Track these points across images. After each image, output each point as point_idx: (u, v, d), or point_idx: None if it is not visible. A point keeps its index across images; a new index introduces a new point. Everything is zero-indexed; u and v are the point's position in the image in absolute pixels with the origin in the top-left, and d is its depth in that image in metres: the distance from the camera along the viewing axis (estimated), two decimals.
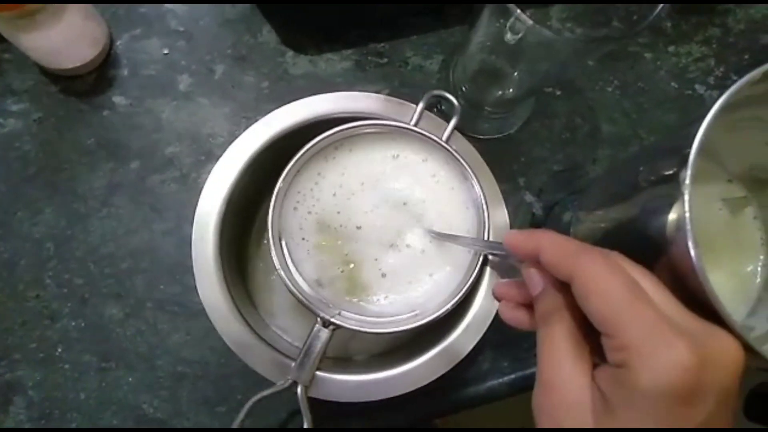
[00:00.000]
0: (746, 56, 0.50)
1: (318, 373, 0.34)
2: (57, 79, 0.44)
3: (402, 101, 0.39)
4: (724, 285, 0.39)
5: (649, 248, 0.34)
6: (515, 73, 0.43)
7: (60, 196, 0.43)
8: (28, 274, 0.42)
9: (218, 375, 0.42)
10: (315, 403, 0.34)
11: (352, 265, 0.36)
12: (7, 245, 0.42)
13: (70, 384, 0.41)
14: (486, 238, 0.35)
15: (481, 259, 0.34)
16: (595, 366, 0.23)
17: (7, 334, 0.41)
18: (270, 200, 0.34)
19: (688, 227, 0.26)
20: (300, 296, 0.33)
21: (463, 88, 0.45)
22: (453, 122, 0.37)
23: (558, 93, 0.48)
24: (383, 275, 0.36)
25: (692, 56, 0.50)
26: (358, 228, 0.37)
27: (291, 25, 0.46)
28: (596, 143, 0.48)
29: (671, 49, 0.50)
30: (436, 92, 0.37)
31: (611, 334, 0.21)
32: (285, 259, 0.35)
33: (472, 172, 0.36)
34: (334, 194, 0.37)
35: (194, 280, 0.36)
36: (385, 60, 0.47)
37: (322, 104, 0.39)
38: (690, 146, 0.28)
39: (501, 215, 0.38)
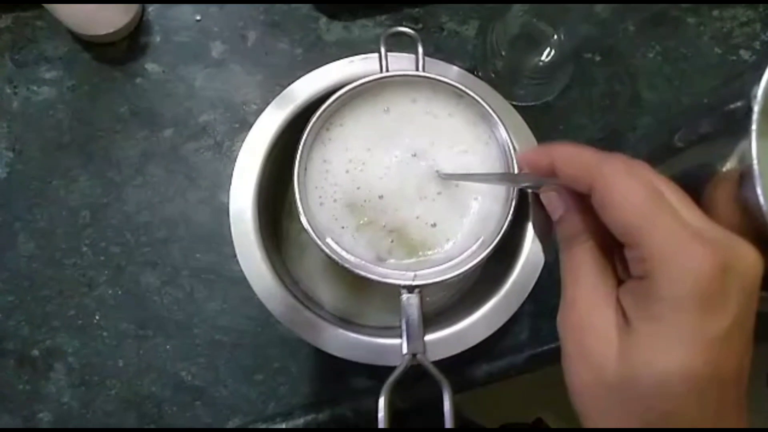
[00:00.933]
0: None
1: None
2: (90, 47, 0.44)
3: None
4: None
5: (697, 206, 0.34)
6: (555, 36, 0.42)
7: (94, 165, 0.43)
8: (64, 242, 0.42)
9: (255, 343, 0.42)
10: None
11: (396, 233, 0.35)
12: (44, 213, 0.42)
13: (109, 351, 0.41)
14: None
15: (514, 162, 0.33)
16: (619, 285, 0.22)
17: (46, 302, 0.41)
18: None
19: (755, 170, 0.26)
20: (375, 278, 0.32)
21: (502, 53, 0.44)
22: (420, 50, 0.35)
23: (597, 59, 0.47)
24: (433, 225, 0.35)
25: (737, 20, 0.48)
26: (381, 197, 0.36)
27: None
28: (637, 110, 0.47)
29: (715, 13, 0.49)
30: (391, 30, 0.35)
31: (633, 244, 0.20)
32: (341, 254, 0.33)
33: (474, 94, 0.34)
34: (347, 171, 0.36)
35: (231, 248, 0.36)
36: (420, 26, 0.46)
37: (351, 67, 0.38)
38: (753, 90, 0.28)
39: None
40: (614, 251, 0.23)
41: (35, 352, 0.40)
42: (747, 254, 0.20)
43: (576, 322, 0.22)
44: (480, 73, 0.45)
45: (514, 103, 0.44)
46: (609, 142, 0.46)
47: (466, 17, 0.47)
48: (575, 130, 0.46)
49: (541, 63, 0.43)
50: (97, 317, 0.41)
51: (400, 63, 0.35)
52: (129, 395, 0.41)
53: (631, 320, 0.20)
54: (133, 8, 0.43)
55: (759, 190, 0.26)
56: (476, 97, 0.33)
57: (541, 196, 0.25)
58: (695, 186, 0.36)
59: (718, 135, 0.35)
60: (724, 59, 0.48)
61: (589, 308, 0.22)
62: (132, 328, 0.41)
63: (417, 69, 0.35)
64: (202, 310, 0.42)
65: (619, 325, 0.21)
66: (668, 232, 0.20)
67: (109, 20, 0.42)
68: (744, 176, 0.28)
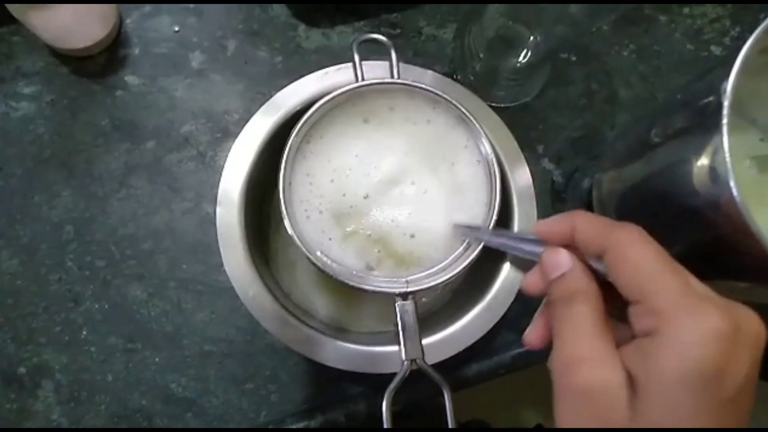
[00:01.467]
0: (762, 15, 0.50)
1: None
2: (68, 60, 0.44)
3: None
4: None
5: (675, 199, 0.34)
6: (530, 39, 0.43)
7: (77, 179, 0.42)
8: (49, 258, 0.41)
9: (244, 353, 0.42)
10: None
11: (382, 243, 0.35)
12: (27, 229, 0.42)
13: (97, 366, 0.41)
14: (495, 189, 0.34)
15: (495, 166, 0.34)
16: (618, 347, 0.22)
17: (32, 318, 0.41)
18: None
19: (729, 164, 0.27)
20: (369, 287, 0.32)
21: (480, 56, 0.44)
22: (393, 56, 0.35)
23: (573, 59, 0.48)
24: (412, 236, 0.35)
25: (707, 17, 0.50)
26: (366, 197, 0.36)
27: None
28: (614, 108, 0.48)
29: (686, 10, 0.50)
30: (363, 38, 0.35)
31: (642, 300, 0.21)
32: (332, 267, 0.33)
33: (449, 98, 0.34)
34: (332, 180, 0.36)
35: (218, 258, 0.36)
36: (398, 31, 0.47)
37: (329, 78, 0.38)
38: (723, 85, 0.29)
39: (524, 175, 0.38)
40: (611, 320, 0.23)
41: (22, 370, 0.40)
42: (753, 318, 0.20)
43: (582, 380, 0.21)
44: (459, 76, 0.46)
45: (493, 104, 0.45)
46: (587, 140, 0.47)
47: (443, 21, 0.47)
48: (554, 130, 0.47)
49: (518, 64, 0.44)
50: (84, 332, 0.41)
51: (377, 71, 0.36)
52: (119, 410, 0.41)
53: (638, 379, 0.20)
54: (111, 21, 0.43)
55: (732, 183, 0.27)
56: (452, 100, 0.34)
57: (547, 251, 0.25)
58: (669, 180, 0.37)
59: (691, 130, 0.36)
60: (696, 55, 0.49)
61: (596, 366, 0.21)
62: (120, 342, 0.41)
63: (392, 76, 0.35)
64: (191, 322, 0.42)
65: (626, 384, 0.20)
66: (679, 290, 0.20)
67: (86, 33, 0.41)
68: (715, 170, 0.28)
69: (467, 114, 0.34)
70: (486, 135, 0.34)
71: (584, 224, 0.24)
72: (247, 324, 0.42)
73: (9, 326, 0.40)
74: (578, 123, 0.47)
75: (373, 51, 0.36)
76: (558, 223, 0.25)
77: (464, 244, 0.34)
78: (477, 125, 0.34)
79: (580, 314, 0.23)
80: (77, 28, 0.40)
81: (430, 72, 0.40)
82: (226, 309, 0.42)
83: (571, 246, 0.24)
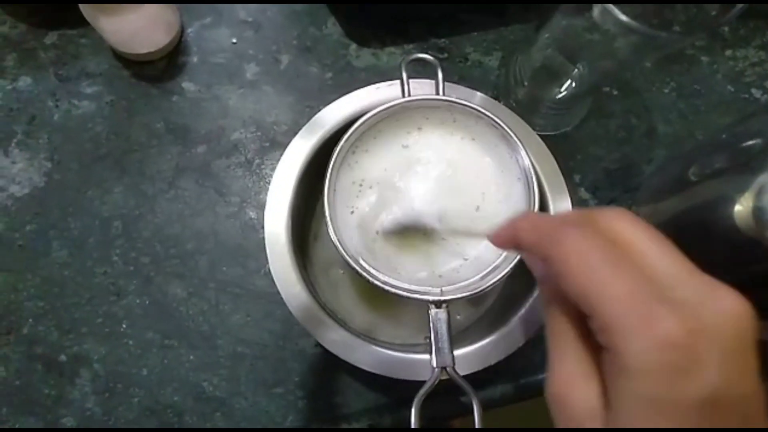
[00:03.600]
0: None
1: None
2: (129, 64, 0.46)
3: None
4: None
5: (713, 236, 0.35)
6: (575, 71, 0.44)
7: (129, 177, 0.44)
8: (96, 251, 0.43)
9: (276, 357, 0.43)
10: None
11: (424, 254, 0.36)
12: (78, 222, 0.43)
13: (134, 359, 0.42)
14: (533, 208, 0.35)
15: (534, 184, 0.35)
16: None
17: (76, 309, 0.42)
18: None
19: None
20: (404, 294, 0.33)
21: (524, 84, 0.46)
22: (440, 75, 0.36)
23: (615, 93, 0.49)
24: (457, 244, 0.36)
25: (749, 60, 0.50)
26: (412, 210, 0.37)
27: (355, 19, 0.47)
28: (652, 143, 0.48)
29: (728, 53, 0.51)
30: (412, 57, 0.37)
31: (592, 314, 0.19)
32: (369, 271, 0.34)
33: (493, 115, 0.35)
34: (375, 190, 0.37)
35: (256, 263, 0.37)
36: (446, 55, 0.48)
37: (378, 93, 0.40)
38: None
39: (564, 201, 0.39)
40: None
41: (63, 358, 0.41)
42: (724, 310, 0.18)
43: (560, 394, 0.20)
44: (502, 102, 0.47)
45: (535, 131, 0.46)
46: (624, 172, 0.47)
47: (489, 48, 0.49)
48: (592, 160, 0.47)
49: (560, 95, 0.45)
50: (124, 326, 0.42)
51: (425, 89, 0.38)
52: (151, 404, 0.42)
53: (609, 392, 0.19)
54: (174, 29, 0.45)
55: None
56: (493, 117, 0.35)
57: (523, 256, 0.25)
58: (708, 217, 0.37)
59: (733, 170, 0.37)
60: (736, 97, 0.50)
61: (571, 380, 0.20)
62: (157, 337, 0.42)
63: (437, 93, 0.37)
64: (226, 323, 0.43)
65: (602, 395, 0.19)
66: (625, 296, 0.18)
67: (150, 40, 0.43)
68: (761, 209, 0.29)
69: (507, 130, 0.35)
70: (526, 151, 0.35)
71: (527, 229, 0.22)
72: (281, 329, 0.43)
73: (53, 314, 0.42)
74: (616, 155, 0.48)
75: (419, 72, 0.37)
76: (504, 227, 0.24)
77: (500, 258, 0.34)
78: (517, 141, 0.35)
79: (558, 324, 0.21)
80: (143, 35, 0.42)
81: (479, 94, 0.41)
82: (262, 313, 0.43)
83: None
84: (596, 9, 0.31)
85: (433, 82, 0.38)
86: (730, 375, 0.17)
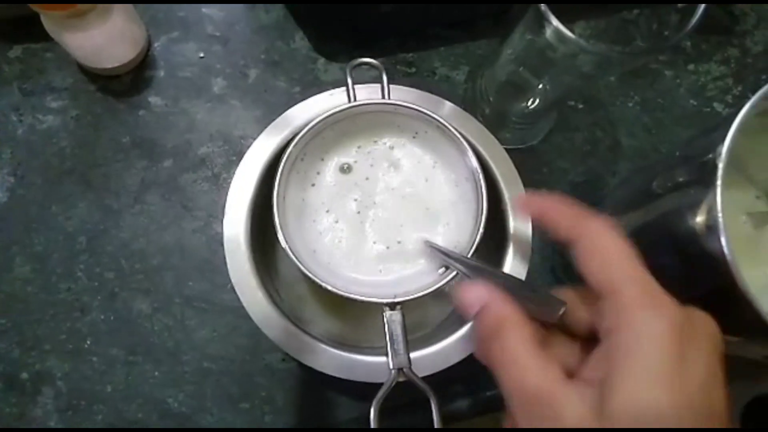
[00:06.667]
0: (764, 76, 0.51)
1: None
2: (95, 78, 0.45)
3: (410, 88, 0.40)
4: None
5: (671, 251, 0.36)
6: (540, 86, 0.45)
7: (94, 192, 0.44)
8: (60, 267, 0.43)
9: (242, 372, 0.43)
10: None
11: (374, 254, 0.37)
12: (41, 238, 0.43)
13: (98, 376, 0.42)
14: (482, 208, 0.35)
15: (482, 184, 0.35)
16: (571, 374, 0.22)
17: (39, 325, 0.42)
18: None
19: (720, 222, 0.28)
20: (357, 297, 0.33)
21: (490, 99, 0.46)
22: (384, 79, 0.36)
23: (580, 107, 0.50)
24: (398, 247, 0.37)
25: (711, 75, 0.52)
26: (358, 213, 0.37)
27: (323, 33, 0.48)
28: (616, 156, 0.49)
29: (691, 67, 0.52)
30: (357, 61, 0.37)
31: (612, 292, 0.22)
32: (321, 276, 0.35)
33: (437, 118, 0.35)
34: (323, 194, 0.38)
35: (223, 277, 0.37)
36: (414, 69, 0.49)
37: (334, 100, 0.40)
38: (718, 148, 0.30)
39: (524, 218, 0.39)
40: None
41: (24, 375, 0.41)
42: (708, 319, 0.22)
43: (549, 392, 0.21)
44: (469, 114, 0.48)
45: (501, 145, 0.47)
46: (590, 185, 0.48)
47: (456, 63, 0.49)
48: (558, 173, 0.48)
49: (526, 110, 0.45)
50: (88, 342, 0.42)
51: (401, 95, 0.38)
52: (115, 421, 0.41)
53: (606, 376, 0.20)
54: (140, 44, 0.45)
55: (723, 241, 0.28)
56: (439, 119, 0.35)
57: (461, 290, 0.25)
58: (671, 230, 0.38)
59: (691, 184, 0.37)
60: (699, 111, 0.51)
61: (551, 386, 0.21)
62: (122, 353, 0.42)
63: (383, 97, 0.36)
64: (192, 338, 0.43)
65: (584, 390, 0.21)
66: (643, 283, 0.22)
67: (116, 55, 0.43)
68: (710, 227, 0.30)
69: (452, 130, 0.35)
70: (474, 152, 0.35)
71: (557, 208, 0.25)
72: (247, 343, 0.43)
73: (16, 331, 0.41)
74: (581, 168, 0.48)
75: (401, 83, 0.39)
76: (538, 197, 0.27)
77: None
78: (463, 141, 0.35)
79: (514, 341, 0.22)
80: (108, 50, 0.42)
81: (447, 103, 0.42)
82: (228, 328, 0.43)
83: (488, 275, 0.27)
84: (548, 29, 0.32)
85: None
86: (712, 371, 0.20)
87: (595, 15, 0.46)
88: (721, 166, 0.29)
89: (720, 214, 0.28)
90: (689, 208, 0.34)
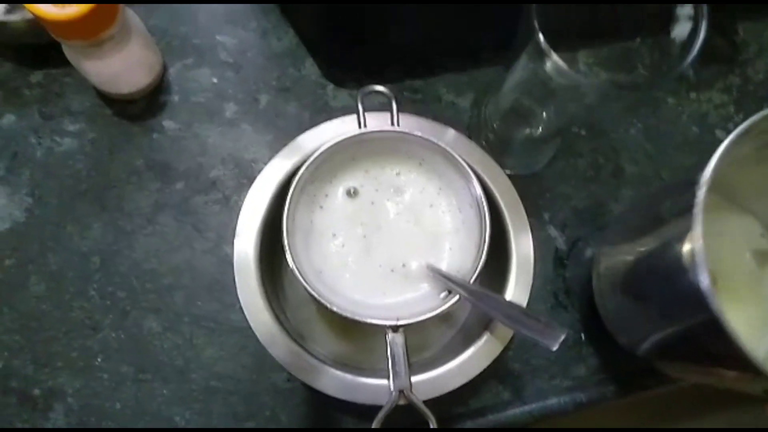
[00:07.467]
0: (765, 104, 0.52)
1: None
2: (112, 103, 0.47)
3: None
4: (744, 332, 0.40)
5: (664, 281, 0.36)
6: (544, 114, 0.46)
7: (108, 213, 0.45)
8: (74, 286, 0.44)
9: (249, 391, 0.43)
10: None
11: (377, 275, 0.38)
12: (57, 257, 0.44)
13: (108, 393, 0.42)
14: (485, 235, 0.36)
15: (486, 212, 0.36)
16: None
17: (52, 342, 0.43)
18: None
19: (700, 252, 0.28)
20: (361, 319, 0.34)
21: (494, 125, 0.47)
22: (394, 107, 0.37)
23: (583, 133, 0.51)
24: (403, 270, 0.38)
25: (713, 102, 0.52)
26: (364, 237, 0.39)
27: (333, 61, 0.49)
28: (619, 183, 0.50)
29: (693, 95, 0.53)
30: (368, 89, 0.38)
31: None
32: (327, 297, 0.36)
33: (443, 146, 0.37)
34: (331, 217, 0.39)
35: (232, 298, 0.38)
36: (420, 96, 0.50)
37: (345, 126, 0.41)
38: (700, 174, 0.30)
39: (526, 244, 0.40)
40: None
41: (37, 391, 0.42)
42: None
43: None
44: (473, 142, 0.49)
45: (504, 170, 0.48)
46: (592, 211, 0.49)
47: (462, 90, 0.50)
48: (561, 199, 0.49)
49: (530, 137, 0.46)
50: (99, 359, 0.43)
51: (409, 123, 0.40)
52: None
53: None
54: (155, 70, 0.46)
55: (701, 276, 0.28)
56: (445, 147, 0.36)
57: None
58: (671, 257, 0.38)
59: (684, 212, 0.38)
60: (701, 138, 0.52)
61: None
62: (132, 371, 0.43)
63: (392, 124, 0.38)
64: (200, 357, 0.44)
65: None
66: None
67: (132, 81, 0.45)
68: (693, 257, 0.30)
69: (458, 158, 0.36)
70: (478, 179, 0.36)
71: None
72: (253, 363, 0.44)
73: (29, 348, 0.43)
74: (584, 194, 0.49)
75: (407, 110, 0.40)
76: None
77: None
78: (468, 169, 0.36)
79: None
80: (125, 76, 0.44)
81: (451, 130, 0.43)
82: (235, 347, 0.44)
83: None
84: (548, 62, 0.33)
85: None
86: None
87: (598, 44, 0.48)
88: (701, 194, 0.29)
89: (700, 242, 0.28)
90: (678, 237, 0.34)
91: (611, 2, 0.40)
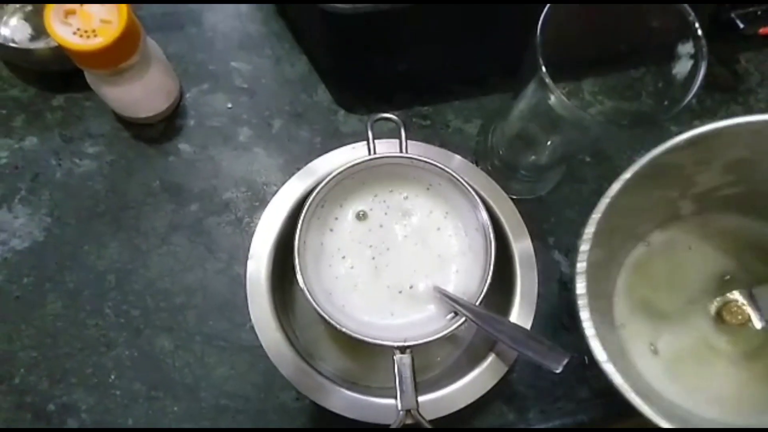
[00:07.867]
0: None
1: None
2: (130, 126, 0.49)
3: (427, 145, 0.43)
4: None
5: None
6: (549, 142, 0.47)
7: (124, 233, 0.47)
8: (89, 304, 0.45)
9: (257, 409, 0.44)
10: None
11: (387, 298, 0.39)
12: (73, 276, 0.45)
13: (120, 410, 0.43)
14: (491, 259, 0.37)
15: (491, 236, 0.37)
16: None
17: (67, 359, 0.44)
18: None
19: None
20: (369, 339, 0.35)
21: (500, 151, 0.48)
22: (403, 134, 0.38)
23: (588, 159, 0.52)
24: (411, 293, 0.39)
25: None
26: (373, 259, 0.40)
27: (344, 87, 0.51)
28: None
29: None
30: (378, 116, 0.39)
31: None
32: (337, 318, 0.36)
33: (450, 171, 0.38)
34: (341, 241, 0.40)
35: (242, 317, 0.39)
36: (428, 122, 0.51)
37: (356, 152, 0.43)
38: None
39: (531, 268, 0.41)
40: None
41: (51, 407, 0.43)
42: None
43: None
44: (480, 167, 0.50)
45: (510, 196, 0.49)
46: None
47: (469, 116, 0.52)
48: (565, 224, 0.50)
49: (536, 163, 0.47)
50: (112, 376, 0.44)
51: (417, 150, 0.41)
52: None
53: None
54: (173, 95, 0.48)
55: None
56: (452, 172, 0.37)
57: None
58: None
59: None
60: None
61: None
62: (144, 388, 0.44)
63: (401, 151, 0.39)
64: (211, 375, 0.44)
65: None
66: None
67: (150, 106, 0.47)
68: None
69: (464, 184, 0.37)
70: (484, 204, 0.37)
71: None
72: (263, 382, 0.45)
73: (45, 364, 0.44)
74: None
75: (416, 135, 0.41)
76: None
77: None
78: (474, 195, 0.37)
79: None
80: (144, 102, 0.45)
81: (457, 157, 0.44)
82: (245, 366, 0.45)
83: None
84: (552, 96, 0.34)
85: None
86: None
87: (603, 73, 0.49)
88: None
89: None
90: None
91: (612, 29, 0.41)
